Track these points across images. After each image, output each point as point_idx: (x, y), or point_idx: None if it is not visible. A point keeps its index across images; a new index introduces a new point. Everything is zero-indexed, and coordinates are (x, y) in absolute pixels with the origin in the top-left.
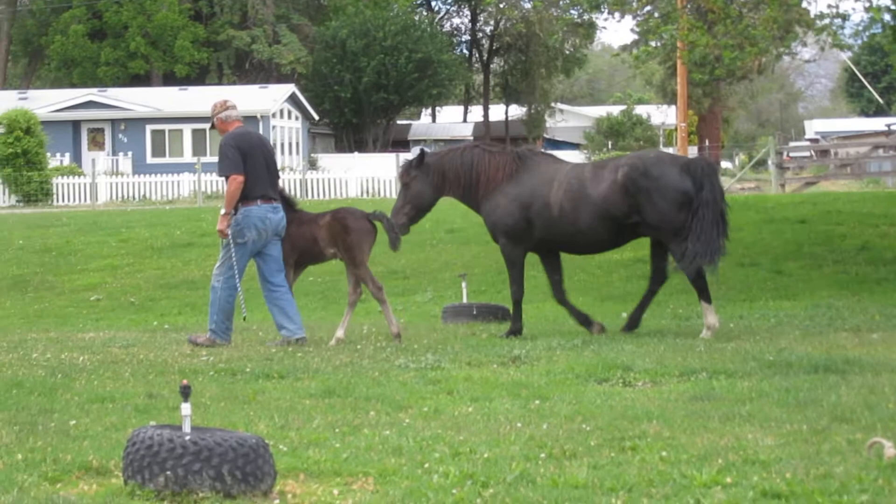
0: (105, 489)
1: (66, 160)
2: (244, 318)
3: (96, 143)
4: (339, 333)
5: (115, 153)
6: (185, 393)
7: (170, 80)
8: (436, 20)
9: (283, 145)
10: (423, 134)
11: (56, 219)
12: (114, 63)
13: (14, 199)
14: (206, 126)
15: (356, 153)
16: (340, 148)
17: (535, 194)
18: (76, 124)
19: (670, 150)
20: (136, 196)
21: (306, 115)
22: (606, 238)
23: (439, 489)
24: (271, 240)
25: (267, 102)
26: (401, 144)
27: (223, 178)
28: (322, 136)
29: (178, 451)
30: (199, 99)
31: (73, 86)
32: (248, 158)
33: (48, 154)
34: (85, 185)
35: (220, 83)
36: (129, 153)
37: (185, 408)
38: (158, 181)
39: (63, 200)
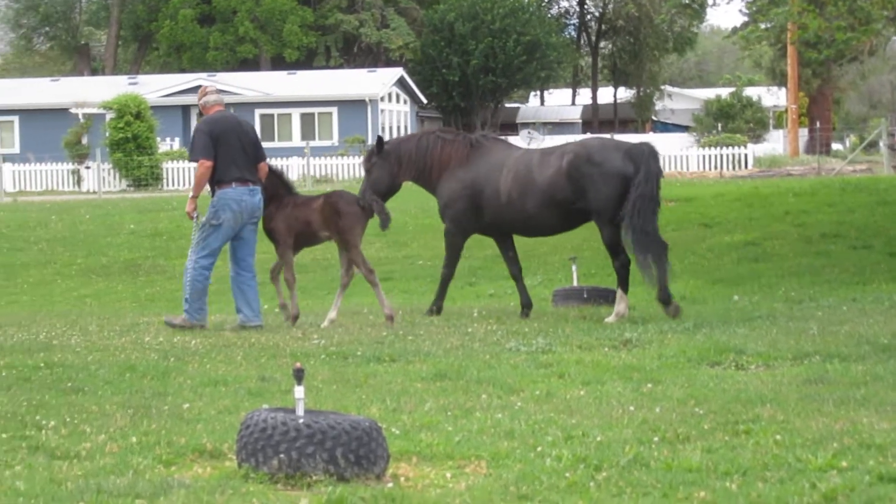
0: (219, 472)
1: (176, 144)
2: None
3: None
4: (332, 314)
5: None
6: (299, 376)
7: (278, 64)
8: (544, 2)
9: (391, 129)
10: (532, 117)
11: (166, 203)
12: (222, 47)
13: (125, 184)
14: (316, 110)
15: None
16: None
17: (486, 180)
18: (185, 109)
19: (781, 133)
20: None
21: (414, 99)
22: (555, 223)
23: (552, 472)
24: (247, 223)
25: (375, 86)
26: (509, 128)
27: (194, 163)
28: (430, 120)
29: (291, 435)
30: (308, 83)
31: (182, 70)
32: (221, 143)
33: (158, 139)
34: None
35: (328, 67)
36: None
37: (299, 391)
38: None
39: (173, 185)
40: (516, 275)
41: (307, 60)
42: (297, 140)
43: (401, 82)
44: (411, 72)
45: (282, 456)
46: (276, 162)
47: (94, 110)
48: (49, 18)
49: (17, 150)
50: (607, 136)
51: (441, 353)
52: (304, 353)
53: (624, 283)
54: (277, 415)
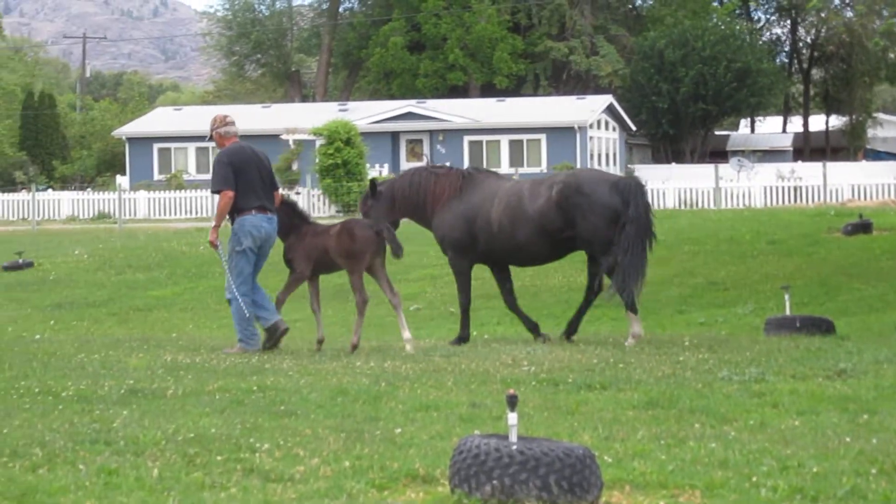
0: (432, 497)
1: (385, 171)
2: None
3: (414, 154)
4: (406, 334)
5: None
6: (512, 402)
7: (487, 91)
8: (755, 29)
9: (599, 156)
10: (742, 144)
11: None
12: (432, 74)
13: (334, 209)
14: (524, 137)
15: (673, 164)
16: (657, 159)
17: (478, 210)
18: (395, 135)
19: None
20: None
21: (623, 126)
22: (543, 252)
23: (768, 503)
24: (262, 250)
25: (584, 113)
26: (719, 155)
27: (216, 194)
28: (639, 147)
29: (504, 461)
30: (517, 110)
31: (391, 97)
32: (241, 173)
33: (367, 165)
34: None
35: (536, 94)
36: (447, 164)
37: (512, 417)
38: None
39: None
40: (513, 305)
41: (516, 88)
42: (505, 167)
43: (610, 109)
44: (620, 99)
45: (495, 482)
46: None
47: (305, 136)
48: (261, 46)
49: None
50: (596, 168)
51: (652, 381)
52: (514, 379)
53: (632, 307)
54: (491, 441)
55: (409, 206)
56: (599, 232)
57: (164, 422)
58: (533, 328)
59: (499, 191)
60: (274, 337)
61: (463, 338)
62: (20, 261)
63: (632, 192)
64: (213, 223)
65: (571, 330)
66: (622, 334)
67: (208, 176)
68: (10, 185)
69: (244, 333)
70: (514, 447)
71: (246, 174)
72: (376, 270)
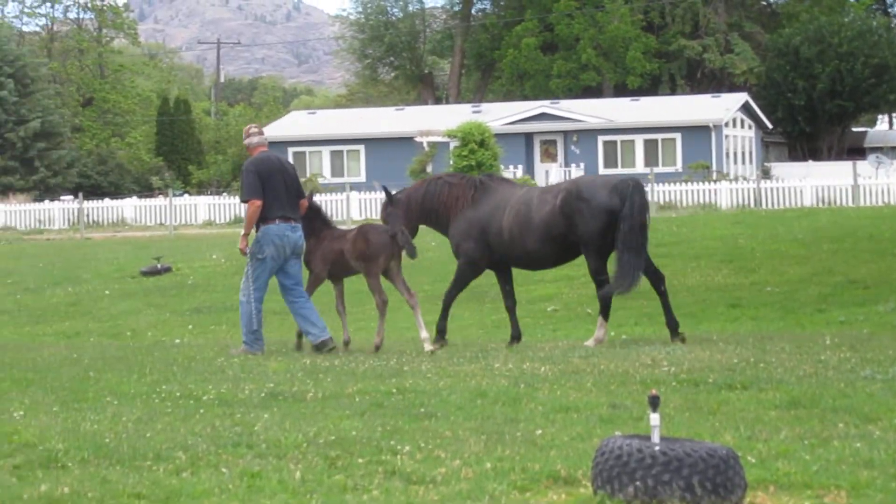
0: (574, 498)
1: (520, 172)
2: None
3: (548, 155)
4: (424, 334)
5: (567, 164)
6: (654, 403)
7: (620, 91)
8: (893, 24)
9: (735, 154)
10: (880, 141)
11: None
12: (565, 75)
13: None
14: (659, 136)
15: (810, 161)
16: (794, 156)
17: (490, 219)
18: (528, 136)
19: None
20: None
21: (759, 124)
22: (553, 257)
23: None
24: (290, 258)
25: (719, 112)
26: (856, 152)
27: (245, 203)
28: (775, 145)
29: (647, 462)
30: (651, 110)
31: (525, 98)
32: (267, 182)
33: (501, 166)
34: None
35: (671, 93)
36: (582, 164)
37: (654, 418)
38: None
39: None
40: (510, 307)
41: (651, 87)
42: (640, 166)
43: (745, 107)
44: (756, 96)
45: (637, 483)
46: None
47: (439, 138)
48: (394, 49)
49: (363, 178)
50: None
51: (794, 380)
52: (654, 380)
53: (605, 311)
54: (633, 442)
55: (423, 213)
56: (596, 234)
57: (305, 425)
58: (516, 336)
59: (511, 199)
60: (321, 351)
61: (440, 330)
62: (158, 266)
63: (629, 191)
64: (242, 231)
65: (673, 329)
66: (762, 333)
67: (344, 179)
68: (147, 191)
69: (248, 337)
70: (657, 448)
71: (271, 183)
72: (392, 273)
